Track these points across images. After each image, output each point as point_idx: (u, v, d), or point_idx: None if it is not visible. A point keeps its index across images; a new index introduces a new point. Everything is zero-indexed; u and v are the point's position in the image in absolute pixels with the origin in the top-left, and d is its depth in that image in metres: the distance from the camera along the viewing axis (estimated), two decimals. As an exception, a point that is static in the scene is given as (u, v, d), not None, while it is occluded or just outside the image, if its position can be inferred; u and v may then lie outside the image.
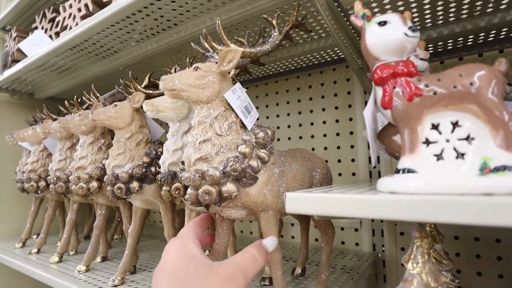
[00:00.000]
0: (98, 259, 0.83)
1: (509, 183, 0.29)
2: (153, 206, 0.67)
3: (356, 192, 0.35)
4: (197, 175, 0.42)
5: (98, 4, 0.76)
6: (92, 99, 0.79)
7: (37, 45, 0.92)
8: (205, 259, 0.37)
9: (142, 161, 0.63)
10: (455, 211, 0.29)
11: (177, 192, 0.54)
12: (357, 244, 0.90)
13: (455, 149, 0.33)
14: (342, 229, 0.93)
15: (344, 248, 0.92)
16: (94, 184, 0.70)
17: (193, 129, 0.45)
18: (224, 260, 0.39)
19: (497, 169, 0.31)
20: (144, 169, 0.62)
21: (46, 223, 0.94)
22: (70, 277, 0.72)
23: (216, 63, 0.46)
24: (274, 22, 0.53)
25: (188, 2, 0.64)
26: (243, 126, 0.46)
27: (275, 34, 0.52)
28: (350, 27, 0.62)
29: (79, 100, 0.84)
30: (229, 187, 0.42)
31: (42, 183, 0.88)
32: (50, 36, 0.93)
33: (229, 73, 0.49)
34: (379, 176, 0.88)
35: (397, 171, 0.35)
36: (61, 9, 0.86)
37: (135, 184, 0.61)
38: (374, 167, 0.89)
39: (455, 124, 0.34)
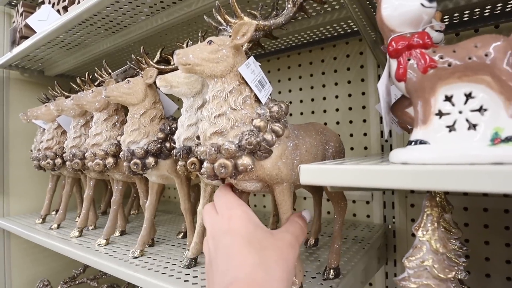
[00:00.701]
0: (117, 233, 0.88)
1: (520, 152, 0.30)
2: (168, 181, 0.71)
3: (369, 164, 0.37)
4: (213, 149, 0.43)
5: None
6: (104, 76, 0.81)
7: (45, 20, 0.94)
8: (266, 228, 0.40)
9: (156, 137, 0.66)
10: (466, 180, 0.30)
11: (192, 167, 0.57)
12: (368, 216, 0.93)
13: (467, 120, 0.34)
14: (354, 202, 0.96)
15: (356, 220, 0.95)
16: (110, 160, 0.74)
17: (208, 104, 0.45)
18: (281, 229, 0.42)
19: (508, 139, 0.32)
20: (159, 145, 0.64)
21: (64, 199, 1.00)
22: (91, 250, 0.77)
23: (230, 36, 0.46)
24: None
25: (198, -26, 0.64)
26: (257, 100, 0.47)
27: (289, 6, 0.51)
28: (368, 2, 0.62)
29: (91, 76, 0.86)
30: (245, 160, 0.43)
31: (58, 160, 0.93)
32: (58, 11, 0.94)
33: (242, 46, 0.49)
34: (391, 150, 0.89)
35: (409, 143, 0.37)
36: (68, -17, 0.86)
37: (150, 160, 0.64)
38: (386, 141, 0.90)
39: (468, 96, 0.35)
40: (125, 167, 0.66)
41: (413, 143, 0.36)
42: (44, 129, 1.04)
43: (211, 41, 0.45)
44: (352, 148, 0.96)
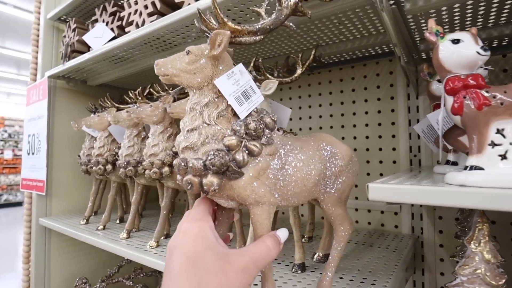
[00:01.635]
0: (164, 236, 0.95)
1: None
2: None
3: (430, 185, 0.44)
4: (182, 163, 0.42)
5: (166, 2, 0.84)
6: (160, 92, 0.88)
7: (100, 37, 1.01)
8: (221, 247, 0.38)
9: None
10: None
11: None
12: (396, 226, 0.99)
13: (517, 151, 0.41)
14: (382, 212, 1.02)
15: (384, 229, 1.01)
16: (167, 169, 0.81)
17: (186, 116, 0.44)
18: (240, 250, 0.39)
19: (554, 169, 0.38)
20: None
21: (109, 202, 1.07)
22: (141, 249, 0.83)
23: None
24: None
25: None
26: (236, 114, 0.44)
27: (278, 8, 0.46)
28: (407, 31, 0.68)
29: (144, 92, 0.93)
30: (209, 180, 0.40)
31: (109, 167, 1.00)
32: (112, 29, 1.01)
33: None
34: (419, 164, 0.95)
35: (465, 168, 0.43)
36: (125, 5, 0.94)
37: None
38: (415, 155, 0.96)
39: (517, 130, 0.41)
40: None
41: (468, 168, 0.43)
42: (91, 136, 1.12)
43: (189, 51, 0.43)
44: (381, 162, 1.03)
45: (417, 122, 0.96)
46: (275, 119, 0.46)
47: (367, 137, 1.05)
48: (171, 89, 0.85)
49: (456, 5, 0.58)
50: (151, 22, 0.84)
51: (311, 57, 0.71)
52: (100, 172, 1.00)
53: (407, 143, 0.97)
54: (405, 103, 0.98)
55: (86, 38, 1.03)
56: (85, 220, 1.12)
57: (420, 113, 0.95)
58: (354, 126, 1.07)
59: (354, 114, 1.07)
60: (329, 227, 0.68)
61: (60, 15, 1.25)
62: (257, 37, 0.46)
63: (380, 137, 1.03)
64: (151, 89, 0.90)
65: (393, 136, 1.00)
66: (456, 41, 0.44)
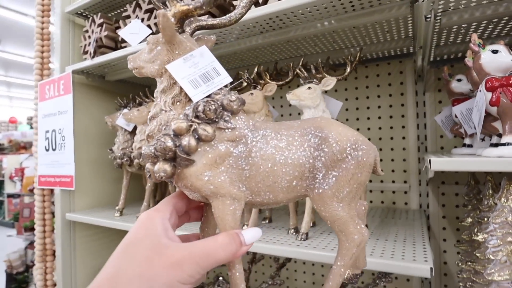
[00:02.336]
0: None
1: None
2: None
3: (479, 157, 0.61)
4: (144, 152, 0.41)
5: (218, 6, 0.94)
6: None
7: (137, 34, 1.08)
8: (165, 239, 0.36)
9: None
10: None
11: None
12: (406, 203, 1.19)
13: (538, 131, 0.59)
14: (394, 192, 1.21)
15: (395, 207, 1.20)
16: None
17: None
18: (184, 244, 0.36)
19: None
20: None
21: (147, 193, 1.14)
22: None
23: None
24: None
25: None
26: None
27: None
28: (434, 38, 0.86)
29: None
30: (160, 166, 0.39)
31: (152, 158, 1.08)
32: (149, 26, 1.08)
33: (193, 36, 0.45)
34: (426, 150, 1.15)
35: (501, 144, 0.61)
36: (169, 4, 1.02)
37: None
38: (422, 143, 1.16)
39: (538, 116, 0.60)
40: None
41: (503, 144, 0.60)
42: (125, 130, 1.18)
43: (148, 41, 0.44)
44: (392, 149, 1.21)
45: (423, 115, 1.16)
46: (239, 101, 0.42)
47: (379, 128, 1.23)
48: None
49: (484, 21, 0.77)
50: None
51: (357, 58, 0.86)
52: (143, 163, 1.07)
53: (415, 132, 1.17)
54: (414, 98, 1.17)
55: (123, 33, 1.09)
56: (119, 212, 1.18)
57: (426, 107, 1.15)
58: (368, 118, 1.25)
59: (368, 108, 1.25)
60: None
61: (79, 9, 1.28)
62: (224, 21, 0.45)
63: (391, 128, 1.21)
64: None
65: (403, 127, 1.19)
66: (495, 51, 0.62)
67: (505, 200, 0.63)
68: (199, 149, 0.39)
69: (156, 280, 0.33)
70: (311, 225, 0.90)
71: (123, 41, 1.14)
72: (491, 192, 0.73)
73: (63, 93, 1.25)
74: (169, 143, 0.38)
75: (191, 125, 0.39)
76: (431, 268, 0.62)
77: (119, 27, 1.19)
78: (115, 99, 1.32)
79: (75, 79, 1.30)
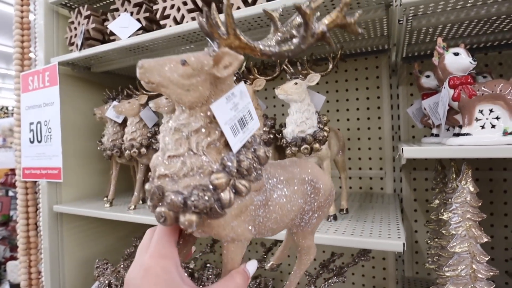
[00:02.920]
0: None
1: (518, 139, 0.67)
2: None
3: (442, 145, 0.72)
4: (158, 192, 0.37)
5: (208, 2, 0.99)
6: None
7: (127, 27, 1.12)
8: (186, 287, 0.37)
9: (263, 130, 0.93)
10: (491, 151, 0.66)
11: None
12: (382, 188, 1.32)
13: (490, 123, 0.71)
14: (371, 178, 1.33)
15: (373, 192, 1.33)
16: (144, 149, 1.12)
17: (167, 134, 0.38)
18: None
19: (511, 133, 0.69)
20: (269, 135, 0.92)
21: (138, 183, 1.20)
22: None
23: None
24: (307, 15, 0.39)
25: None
26: (228, 144, 0.38)
27: (303, 33, 0.40)
28: (406, 38, 0.96)
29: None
30: (188, 218, 0.36)
31: (144, 150, 1.13)
32: (138, 20, 1.12)
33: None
34: (399, 140, 1.28)
35: (461, 134, 0.72)
36: (160, -2, 1.05)
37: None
38: (396, 132, 1.28)
39: (491, 111, 0.71)
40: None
41: (463, 135, 0.72)
42: (115, 122, 1.22)
43: (185, 61, 0.36)
44: (369, 138, 1.33)
45: (397, 107, 1.28)
46: (269, 154, 0.41)
47: (358, 119, 1.34)
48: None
49: (448, 25, 0.88)
50: (191, 18, 1.00)
51: (339, 55, 0.96)
52: (135, 155, 1.12)
53: (390, 123, 1.29)
54: (388, 91, 1.28)
55: (112, 27, 1.12)
56: (109, 203, 1.23)
57: (400, 99, 1.27)
58: (347, 110, 1.36)
59: (347, 100, 1.36)
60: (289, 241, 0.61)
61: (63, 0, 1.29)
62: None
63: (368, 118, 1.33)
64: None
65: (379, 118, 1.31)
66: (456, 54, 0.72)
67: (464, 183, 0.75)
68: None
69: None
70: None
71: (112, 34, 1.17)
72: (454, 176, 0.85)
73: (49, 84, 1.27)
74: (212, 201, 0.36)
75: (230, 180, 0.37)
76: (404, 244, 0.73)
77: (106, 20, 1.22)
78: (101, 91, 1.35)
79: (60, 70, 1.31)
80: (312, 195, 0.47)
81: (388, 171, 1.30)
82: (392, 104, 1.29)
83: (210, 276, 1.20)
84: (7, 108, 5.31)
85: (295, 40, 0.41)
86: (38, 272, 1.47)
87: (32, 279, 1.49)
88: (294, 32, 0.43)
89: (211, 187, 0.36)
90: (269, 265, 0.60)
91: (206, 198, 0.35)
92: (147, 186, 0.39)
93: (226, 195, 0.36)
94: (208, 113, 0.37)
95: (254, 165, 0.38)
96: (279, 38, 0.42)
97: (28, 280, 1.48)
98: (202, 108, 0.37)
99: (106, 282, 1.21)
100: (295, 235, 0.49)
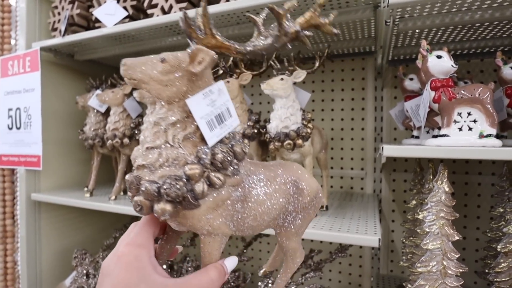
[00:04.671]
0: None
1: (493, 142, 0.69)
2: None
3: (420, 146, 0.72)
4: (135, 181, 0.39)
5: None
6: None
7: (113, 15, 1.09)
8: (159, 278, 0.37)
9: (247, 124, 0.93)
10: (467, 152, 0.67)
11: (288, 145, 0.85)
12: (362, 188, 1.33)
13: (468, 125, 0.72)
14: (352, 178, 1.34)
15: (353, 191, 1.34)
16: (126, 140, 1.11)
17: (147, 127, 0.40)
18: (180, 280, 0.38)
19: (487, 136, 0.70)
20: (253, 129, 0.92)
21: (120, 174, 1.16)
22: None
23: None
24: (280, 15, 0.41)
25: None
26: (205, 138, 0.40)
27: (276, 33, 0.42)
28: (392, 40, 0.97)
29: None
30: (162, 207, 0.37)
31: (126, 140, 1.10)
32: (125, 8, 1.09)
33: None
34: (381, 141, 1.29)
35: (440, 136, 0.73)
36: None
37: (246, 141, 0.91)
38: (378, 134, 1.29)
39: (469, 114, 0.72)
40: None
41: (442, 136, 0.73)
42: (97, 111, 1.19)
43: (164, 59, 0.39)
44: (352, 139, 1.34)
45: (381, 109, 1.29)
46: (246, 150, 0.42)
47: (342, 119, 1.35)
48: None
49: (434, 29, 0.89)
50: (180, 8, 0.98)
51: (325, 53, 0.95)
52: (117, 145, 1.10)
53: (373, 124, 1.30)
54: (373, 93, 1.29)
55: (97, 13, 1.09)
56: (89, 193, 1.20)
57: (384, 101, 1.28)
58: (332, 110, 1.36)
59: (332, 100, 1.36)
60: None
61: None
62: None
63: (352, 119, 1.34)
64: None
65: (362, 119, 1.32)
66: (439, 57, 0.73)
67: (440, 183, 0.76)
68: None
69: None
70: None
71: (97, 20, 1.13)
72: (431, 177, 0.86)
73: (30, 70, 1.22)
74: (184, 190, 0.37)
75: (204, 172, 0.38)
76: (379, 239, 0.73)
77: (92, 6, 1.18)
78: (84, 79, 1.31)
79: (42, 57, 1.27)
80: (296, 195, 0.47)
81: (369, 172, 1.31)
82: (376, 106, 1.30)
83: (190, 269, 1.19)
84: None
85: (269, 39, 0.42)
86: (14, 261, 1.43)
87: (7, 268, 1.44)
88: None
89: (184, 177, 0.37)
90: (261, 271, 0.59)
91: (178, 187, 0.36)
92: (127, 176, 0.40)
93: (199, 186, 0.37)
94: (186, 108, 0.39)
95: (229, 158, 0.39)
96: (262, 38, 0.43)
97: (3, 269, 1.43)
98: (179, 103, 0.39)
99: (84, 271, 1.18)
100: (278, 236, 0.49)
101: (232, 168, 0.40)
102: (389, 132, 1.28)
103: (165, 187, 0.37)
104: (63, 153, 1.36)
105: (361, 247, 1.31)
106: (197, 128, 0.39)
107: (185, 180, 0.37)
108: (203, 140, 0.40)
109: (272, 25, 0.43)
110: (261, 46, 0.42)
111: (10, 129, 1.28)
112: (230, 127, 0.42)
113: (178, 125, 0.39)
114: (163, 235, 0.47)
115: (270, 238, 1.43)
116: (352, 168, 1.34)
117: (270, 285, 1.05)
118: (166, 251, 0.47)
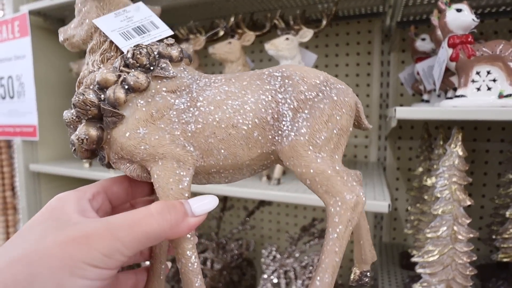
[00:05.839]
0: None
1: (512, 102, 0.64)
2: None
3: (437, 107, 0.68)
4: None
5: None
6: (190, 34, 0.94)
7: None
8: (76, 216, 0.28)
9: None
10: (486, 113, 0.62)
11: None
12: (366, 156, 1.29)
13: (487, 85, 0.67)
14: (355, 146, 1.30)
15: (357, 160, 1.30)
16: None
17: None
18: (104, 218, 0.27)
19: (506, 96, 0.65)
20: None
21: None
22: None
23: None
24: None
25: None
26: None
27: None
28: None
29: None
30: (80, 130, 0.31)
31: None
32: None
33: None
34: (387, 107, 1.24)
35: (456, 96, 0.68)
36: None
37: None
38: (384, 101, 1.24)
39: (488, 72, 0.67)
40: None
41: (457, 97, 0.68)
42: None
43: (76, 3, 0.38)
44: (356, 106, 1.28)
45: (387, 74, 1.23)
46: (179, 48, 0.35)
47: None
48: (202, 34, 0.94)
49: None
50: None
51: (333, 12, 0.88)
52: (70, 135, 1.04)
53: (379, 90, 1.24)
54: (379, 57, 1.23)
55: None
56: (88, 163, 1.16)
57: (391, 66, 1.21)
58: (336, 75, 1.30)
59: (336, 65, 1.29)
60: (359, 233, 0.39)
61: None
62: None
63: (357, 85, 1.28)
64: (176, 32, 0.96)
65: (368, 85, 1.26)
66: (459, 10, 0.67)
67: (454, 146, 0.72)
68: (130, 104, 0.32)
69: (44, 260, 0.24)
70: (283, 173, 0.95)
71: (87, -20, 1.04)
72: (441, 143, 0.82)
73: (19, 35, 1.15)
74: (91, 95, 0.31)
75: (119, 75, 0.32)
76: (389, 205, 0.70)
77: (81, -36, 1.08)
78: (78, 46, 1.23)
79: (32, 22, 1.18)
80: (284, 88, 0.33)
81: (373, 140, 1.27)
82: (382, 71, 1.24)
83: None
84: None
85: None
86: (15, 232, 1.42)
87: (10, 240, 1.43)
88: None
89: (96, 86, 0.32)
90: (352, 276, 0.39)
91: (84, 94, 0.31)
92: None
93: (110, 89, 0.31)
94: (102, 34, 0.35)
95: (151, 54, 0.33)
96: None
97: (5, 240, 1.42)
98: (96, 33, 0.36)
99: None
100: (287, 160, 0.32)
101: (159, 67, 0.32)
102: (395, 98, 1.22)
103: (73, 101, 0.31)
104: (58, 123, 1.30)
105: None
106: (112, 43, 0.35)
107: (96, 89, 0.32)
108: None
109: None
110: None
111: (3, 98, 1.22)
112: (158, 36, 0.37)
113: (96, 50, 0.36)
114: (150, 255, 0.37)
115: (272, 207, 1.42)
116: (356, 136, 1.30)
117: (273, 252, 1.04)
118: (137, 194, 0.38)
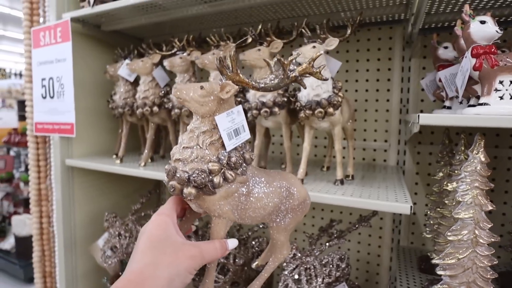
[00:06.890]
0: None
1: (537, 110, 0.65)
2: (276, 125, 0.97)
3: (459, 114, 0.69)
4: (171, 171, 0.52)
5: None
6: (216, 41, 0.99)
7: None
8: (179, 238, 0.49)
9: (277, 93, 0.91)
10: (509, 121, 0.64)
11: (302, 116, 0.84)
12: (385, 160, 1.30)
13: (510, 94, 0.68)
14: (375, 150, 1.32)
15: (375, 163, 1.32)
16: (156, 108, 1.10)
17: (185, 133, 0.54)
18: (194, 243, 0.50)
19: (530, 104, 0.66)
20: (283, 98, 0.90)
21: (149, 141, 1.18)
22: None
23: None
24: (285, 64, 0.53)
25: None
26: (224, 145, 0.53)
27: (281, 76, 0.54)
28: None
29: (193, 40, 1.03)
30: (189, 190, 0.51)
31: (156, 108, 1.10)
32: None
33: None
34: (407, 112, 1.25)
35: (479, 104, 0.70)
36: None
37: (276, 109, 0.90)
38: (404, 106, 1.25)
39: (511, 82, 0.68)
40: (255, 114, 0.90)
41: (482, 104, 0.69)
42: (126, 81, 1.19)
43: (202, 86, 0.53)
44: (376, 110, 1.30)
45: (408, 80, 1.24)
46: (253, 157, 0.56)
47: (366, 90, 1.31)
48: (231, 40, 0.98)
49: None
50: (208, -24, 0.94)
51: (357, 21, 0.91)
52: (147, 113, 1.10)
53: (399, 96, 1.26)
54: (400, 63, 1.24)
55: (126, -17, 1.06)
56: (119, 159, 1.22)
57: (411, 72, 1.23)
58: (356, 81, 1.32)
59: (357, 71, 1.32)
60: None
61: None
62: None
63: (377, 90, 1.29)
64: (207, 38, 1.01)
65: (388, 90, 1.28)
66: (483, 22, 0.68)
67: (476, 152, 0.73)
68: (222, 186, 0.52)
69: (181, 266, 0.47)
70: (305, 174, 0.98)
71: (124, -11, 1.11)
72: (463, 149, 0.84)
73: (61, 40, 1.22)
74: (206, 180, 0.50)
75: (221, 169, 0.51)
76: (411, 206, 0.72)
77: (119, -25, 1.15)
78: (110, 50, 1.30)
79: (72, 28, 1.26)
80: (287, 198, 0.59)
81: (393, 144, 1.28)
82: (402, 77, 1.25)
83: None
84: (4, 70, 5.17)
85: (276, 80, 0.54)
86: (48, 222, 1.49)
87: (43, 229, 1.51)
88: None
89: (207, 171, 0.51)
90: (255, 264, 0.71)
91: (202, 177, 0.50)
92: (166, 166, 0.54)
93: (217, 178, 0.51)
94: (214, 122, 0.53)
95: (240, 161, 0.53)
96: (272, 77, 0.55)
97: (39, 229, 1.50)
98: (209, 118, 0.53)
99: (117, 233, 1.22)
100: (272, 230, 0.62)
101: (241, 169, 0.53)
102: (415, 104, 1.23)
103: (193, 176, 0.50)
104: (92, 122, 1.38)
105: (381, 218, 1.31)
106: (220, 137, 0.53)
107: (207, 173, 0.51)
108: (223, 146, 0.53)
109: (279, 70, 0.55)
110: (270, 85, 0.54)
111: (44, 98, 1.30)
112: (243, 139, 0.56)
113: (207, 133, 0.52)
114: (182, 217, 0.60)
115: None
116: (375, 140, 1.32)
117: (293, 250, 1.06)
118: (183, 229, 0.60)
